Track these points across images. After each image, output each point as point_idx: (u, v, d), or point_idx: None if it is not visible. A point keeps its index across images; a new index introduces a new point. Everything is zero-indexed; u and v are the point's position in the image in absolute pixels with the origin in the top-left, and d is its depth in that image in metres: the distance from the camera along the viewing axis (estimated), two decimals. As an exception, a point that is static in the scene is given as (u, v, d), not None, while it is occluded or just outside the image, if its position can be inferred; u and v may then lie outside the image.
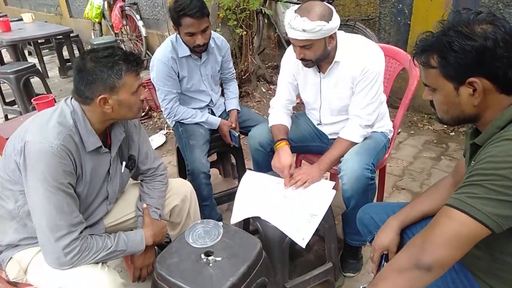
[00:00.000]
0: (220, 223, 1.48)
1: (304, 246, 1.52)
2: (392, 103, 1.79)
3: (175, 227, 1.73)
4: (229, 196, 2.37)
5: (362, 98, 1.69)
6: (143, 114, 3.87)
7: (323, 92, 1.81)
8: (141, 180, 1.62)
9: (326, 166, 1.74)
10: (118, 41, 5.31)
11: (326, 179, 1.81)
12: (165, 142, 3.40)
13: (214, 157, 2.64)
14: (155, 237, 1.45)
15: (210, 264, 1.30)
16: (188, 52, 1.99)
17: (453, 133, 3.17)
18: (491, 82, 0.90)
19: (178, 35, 1.96)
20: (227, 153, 2.54)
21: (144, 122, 3.83)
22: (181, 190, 1.68)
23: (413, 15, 3.21)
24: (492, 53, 0.87)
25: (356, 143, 1.72)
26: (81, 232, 1.24)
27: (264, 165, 1.98)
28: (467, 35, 0.88)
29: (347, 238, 1.85)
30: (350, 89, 1.72)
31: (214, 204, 2.08)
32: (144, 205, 1.53)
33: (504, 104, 0.92)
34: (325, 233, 1.69)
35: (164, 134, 3.50)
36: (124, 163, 1.49)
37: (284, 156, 1.75)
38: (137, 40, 5.39)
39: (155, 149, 3.28)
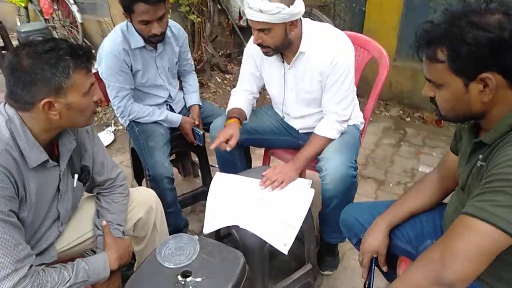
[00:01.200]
0: (195, 237, 1.32)
1: (286, 253, 1.41)
2: (359, 93, 1.71)
3: (140, 242, 1.53)
4: (193, 198, 2.20)
5: (334, 93, 1.60)
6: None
7: (289, 84, 1.70)
8: (98, 193, 1.40)
9: (302, 164, 1.63)
10: (49, 28, 4.77)
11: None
12: (113, 141, 3.11)
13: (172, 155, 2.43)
14: (121, 259, 1.26)
15: (190, 287, 1.15)
16: (142, 43, 1.76)
17: (409, 119, 3.23)
18: (504, 77, 0.82)
19: (129, 23, 1.72)
20: (187, 151, 2.35)
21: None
22: (145, 201, 1.48)
23: (368, 1, 3.18)
24: (509, 45, 0.79)
25: (333, 140, 1.62)
26: (30, 267, 1.02)
27: (228, 159, 1.86)
28: (481, 26, 0.79)
29: (325, 236, 1.77)
30: (318, 82, 1.62)
31: (179, 210, 1.90)
32: (104, 222, 1.32)
33: None
34: (305, 234, 1.60)
35: (112, 132, 3.20)
36: (76, 176, 1.27)
37: (229, 127, 1.65)
38: (71, 27, 4.88)
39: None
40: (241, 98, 1.80)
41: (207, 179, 2.21)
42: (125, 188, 1.42)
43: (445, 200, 1.27)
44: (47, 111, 1.02)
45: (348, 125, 1.73)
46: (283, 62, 1.66)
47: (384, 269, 1.29)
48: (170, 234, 1.92)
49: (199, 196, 2.21)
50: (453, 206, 1.10)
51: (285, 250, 1.41)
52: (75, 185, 1.26)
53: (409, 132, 3.04)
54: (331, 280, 1.82)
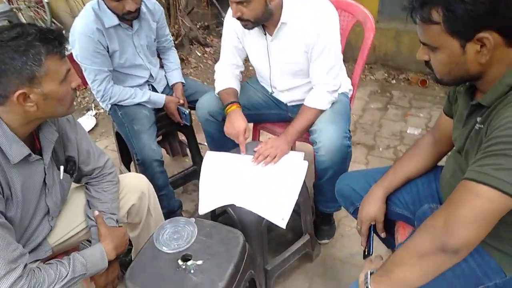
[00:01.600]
0: (192, 220, 1.29)
1: (284, 227, 1.41)
2: (344, 59, 1.66)
3: (135, 228, 1.51)
4: (184, 179, 2.16)
5: (322, 63, 1.55)
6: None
7: (272, 56, 1.64)
8: (87, 183, 1.35)
9: (294, 137, 1.60)
10: (14, 10, 4.51)
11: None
12: (96, 125, 3.02)
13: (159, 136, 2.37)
14: (118, 249, 1.23)
15: (192, 271, 1.14)
16: (116, 21, 1.66)
17: (394, 81, 3.21)
18: (502, 36, 0.79)
19: (101, 1, 1.61)
20: (173, 130, 2.29)
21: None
22: (136, 187, 1.44)
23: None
24: (507, 2, 0.75)
25: (324, 110, 1.59)
26: (25, 267, 0.98)
27: (218, 136, 1.81)
28: None
29: (320, 206, 1.78)
30: (304, 53, 1.57)
31: (171, 192, 1.87)
32: (96, 213, 1.28)
33: (511, 59, 0.83)
34: (300, 206, 1.60)
35: (94, 116, 3.10)
36: (62, 167, 1.21)
37: (237, 120, 1.59)
38: (37, 7, 4.62)
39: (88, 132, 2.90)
40: (228, 75, 1.73)
41: (197, 158, 2.18)
42: (115, 175, 1.37)
43: (440, 163, 1.27)
44: (22, 103, 0.95)
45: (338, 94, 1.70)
46: (265, 34, 1.59)
47: (382, 235, 1.30)
48: (164, 218, 1.92)
49: (190, 176, 2.18)
50: (451, 170, 1.09)
51: (283, 224, 1.40)
52: (61, 177, 1.21)
53: (395, 94, 3.04)
54: (328, 248, 1.84)
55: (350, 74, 1.86)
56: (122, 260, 1.65)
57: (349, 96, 1.84)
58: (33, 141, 1.11)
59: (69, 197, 1.35)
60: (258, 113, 1.83)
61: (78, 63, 1.68)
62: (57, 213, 1.24)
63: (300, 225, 1.66)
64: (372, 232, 1.29)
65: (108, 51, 1.69)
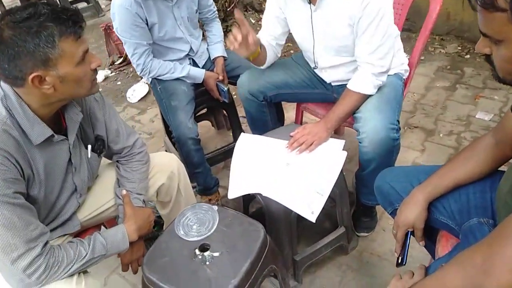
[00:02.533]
0: (215, 207, 1.25)
1: (314, 221, 1.32)
2: (410, 28, 1.43)
3: (166, 206, 1.52)
4: (224, 155, 2.13)
5: (368, 40, 1.36)
6: (120, 60, 3.48)
7: (316, 28, 1.48)
8: (117, 161, 1.37)
9: (334, 124, 1.47)
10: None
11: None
12: (148, 92, 3.07)
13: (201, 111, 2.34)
14: (140, 230, 1.24)
15: (207, 262, 1.11)
16: (155, -8, 1.60)
17: (468, 56, 2.83)
18: None
19: (137, -30, 1.56)
20: (213, 107, 2.25)
21: (124, 69, 3.46)
22: (166, 167, 1.43)
23: None
24: None
25: (370, 95, 1.43)
26: (45, 245, 1.01)
27: (258, 116, 1.74)
28: None
29: (362, 197, 1.65)
30: (348, 27, 1.39)
31: (208, 169, 1.85)
32: (124, 192, 1.29)
33: None
34: (336, 199, 1.49)
35: (147, 83, 3.16)
36: (89, 146, 1.22)
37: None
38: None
39: (138, 101, 2.97)
40: (263, 42, 1.60)
41: (238, 134, 2.10)
42: (144, 155, 1.37)
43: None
44: (38, 85, 0.94)
45: (389, 75, 1.51)
46: (309, 3, 1.43)
47: (421, 243, 1.16)
48: (200, 193, 1.92)
49: (231, 152, 2.11)
50: (509, 183, 0.91)
51: (312, 218, 1.32)
52: (89, 156, 1.22)
53: (467, 72, 2.68)
54: (367, 241, 1.72)
55: (412, 49, 1.64)
56: (155, 234, 1.69)
57: (404, 78, 1.64)
58: (59, 121, 1.12)
59: (101, 174, 1.38)
60: (301, 92, 1.71)
61: (118, 36, 1.66)
62: (86, 190, 1.27)
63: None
64: (409, 239, 1.15)
65: (147, 24, 1.65)
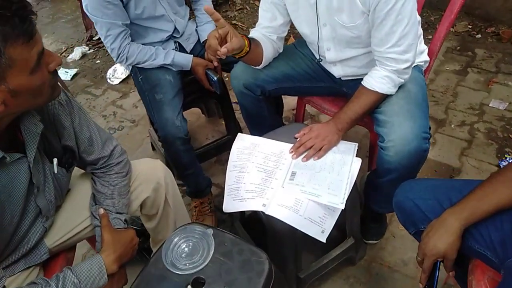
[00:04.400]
0: (210, 231, 1.06)
1: (324, 241, 1.15)
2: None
3: (152, 218, 1.32)
4: (217, 150, 1.93)
5: (388, 30, 1.13)
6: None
7: (322, 17, 1.24)
8: (92, 173, 1.15)
9: (346, 126, 1.26)
10: None
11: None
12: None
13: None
14: (121, 259, 1.04)
15: (202, 303, 0.93)
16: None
17: (479, 35, 2.62)
18: None
19: None
20: (204, 98, 2.01)
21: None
22: (151, 177, 1.23)
23: None
24: None
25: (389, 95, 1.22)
26: None
27: (254, 112, 1.53)
28: None
29: (372, 204, 1.47)
30: (362, 14, 1.16)
31: (199, 170, 1.65)
32: (102, 211, 1.09)
33: None
34: (347, 209, 1.31)
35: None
36: (55, 160, 1.00)
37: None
38: None
39: (120, 82, 2.70)
40: (257, 37, 1.35)
41: (232, 127, 1.91)
42: (124, 165, 1.15)
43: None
44: None
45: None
46: None
47: (451, 274, 1.00)
48: (191, 196, 1.72)
49: (224, 146, 1.93)
50: None
51: (323, 238, 1.15)
52: (55, 171, 1.01)
53: (479, 54, 2.48)
54: (375, 250, 1.57)
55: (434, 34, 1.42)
56: (140, 246, 1.50)
57: (423, 69, 1.43)
58: (15, 136, 0.89)
59: (73, 187, 1.17)
60: (305, 85, 1.49)
61: (88, 15, 1.40)
62: (53, 212, 1.06)
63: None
64: (437, 270, 0.99)
65: (121, 0, 1.38)
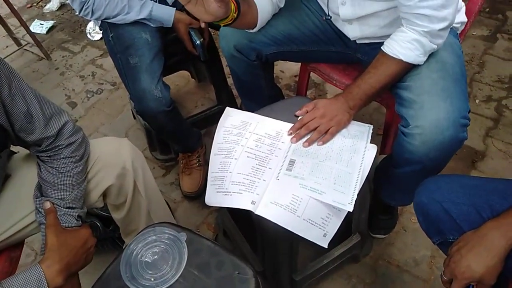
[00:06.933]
0: (183, 236, 0.84)
1: (326, 246, 0.94)
2: None
3: (120, 208, 1.10)
4: (206, 121, 1.68)
5: None
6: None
7: None
8: (37, 157, 0.91)
9: (360, 103, 1.01)
10: None
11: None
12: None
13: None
14: (69, 268, 0.82)
15: (167, 334, 0.72)
16: None
17: (512, -4, 2.28)
18: None
19: None
20: (189, 61, 1.74)
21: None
22: (113, 160, 0.99)
23: None
24: None
25: (417, 65, 0.96)
26: None
27: (248, 80, 1.28)
28: None
29: (384, 195, 1.24)
30: None
31: (187, 130, 1.46)
32: (48, 205, 0.87)
33: None
34: (354, 204, 1.08)
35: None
36: (-20, 143, 0.76)
37: None
38: None
39: (101, 38, 2.39)
40: None
41: (223, 96, 1.66)
42: (77, 148, 0.91)
43: None
44: None
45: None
46: None
47: (486, 301, 0.79)
48: (179, 152, 1.54)
49: (215, 118, 1.66)
50: None
51: (324, 242, 0.93)
52: (-18, 157, 0.77)
53: (511, 17, 2.16)
54: (383, 245, 1.36)
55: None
56: (109, 234, 1.30)
57: (458, 33, 1.15)
58: None
59: (15, 173, 0.94)
60: (311, 49, 1.21)
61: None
62: (-16, 207, 0.83)
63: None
64: (470, 295, 0.78)
65: None
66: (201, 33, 1.29)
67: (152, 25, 1.27)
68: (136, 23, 1.25)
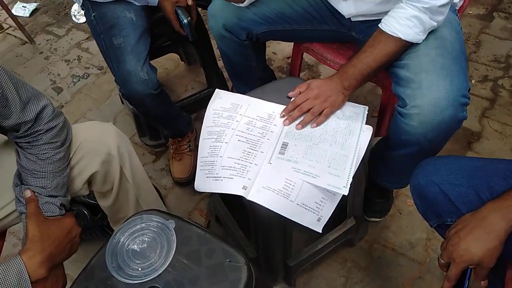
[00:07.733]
0: (171, 223, 0.80)
1: (320, 231, 0.91)
2: None
3: (107, 195, 1.06)
4: (196, 104, 1.62)
5: None
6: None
7: None
8: (16, 143, 0.86)
9: (355, 83, 0.97)
10: None
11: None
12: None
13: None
14: (53, 259, 0.78)
15: (156, 325, 0.69)
16: None
17: (508, -27, 2.23)
18: None
19: None
20: (177, 43, 1.68)
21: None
22: (98, 146, 0.94)
23: None
24: None
25: (416, 43, 0.92)
26: None
27: (238, 61, 1.25)
28: None
29: (379, 178, 1.22)
30: None
31: (176, 113, 1.42)
32: (28, 193, 0.82)
33: None
34: (350, 188, 1.06)
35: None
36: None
37: None
38: None
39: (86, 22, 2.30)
40: None
41: (213, 79, 1.60)
42: (58, 133, 0.86)
43: None
44: None
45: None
46: None
47: (482, 283, 0.76)
48: (169, 138, 1.50)
49: (205, 101, 1.61)
50: None
51: (318, 227, 0.91)
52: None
53: (508, -5, 2.12)
54: (378, 228, 1.34)
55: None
56: (97, 222, 1.26)
57: (457, 8, 1.11)
58: None
59: (-6, 160, 0.89)
60: (303, 28, 1.16)
61: None
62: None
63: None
64: (467, 280, 0.76)
65: None
66: (189, 12, 1.23)
67: (136, 4, 1.21)
68: (119, 1, 1.18)
